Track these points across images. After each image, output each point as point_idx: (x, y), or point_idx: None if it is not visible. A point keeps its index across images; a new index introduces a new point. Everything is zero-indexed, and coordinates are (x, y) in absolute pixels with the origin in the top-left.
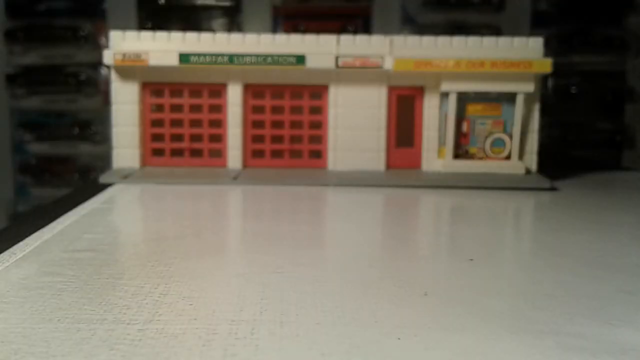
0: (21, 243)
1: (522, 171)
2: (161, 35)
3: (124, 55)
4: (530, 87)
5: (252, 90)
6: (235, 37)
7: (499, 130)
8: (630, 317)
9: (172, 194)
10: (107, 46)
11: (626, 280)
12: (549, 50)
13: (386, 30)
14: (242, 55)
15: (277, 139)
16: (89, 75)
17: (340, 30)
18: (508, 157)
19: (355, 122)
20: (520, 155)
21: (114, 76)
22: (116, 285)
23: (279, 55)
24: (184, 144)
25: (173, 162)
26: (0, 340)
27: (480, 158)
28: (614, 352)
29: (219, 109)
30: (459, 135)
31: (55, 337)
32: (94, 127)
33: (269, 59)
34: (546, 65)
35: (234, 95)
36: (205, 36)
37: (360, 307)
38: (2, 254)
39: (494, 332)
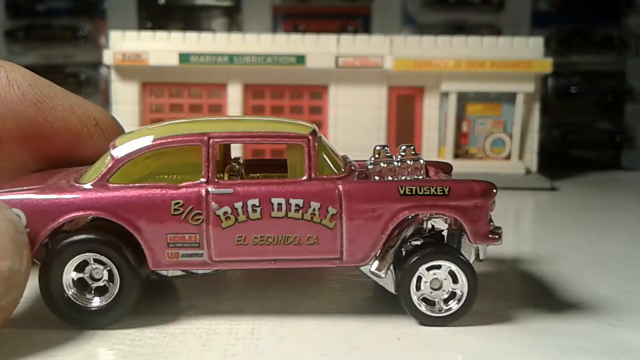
0: None
1: (522, 171)
2: (161, 35)
3: (124, 55)
4: (530, 87)
5: (252, 90)
6: (235, 37)
7: (499, 130)
8: (630, 317)
9: None
10: (107, 46)
11: (626, 280)
12: (549, 50)
13: (386, 30)
14: (242, 55)
15: None
16: (89, 75)
17: (340, 30)
18: (508, 157)
19: (355, 122)
20: (520, 155)
21: (114, 76)
22: None
23: (279, 55)
24: None
25: None
26: None
27: (480, 158)
28: (614, 352)
29: (219, 108)
30: (459, 135)
31: None
32: None
33: (269, 59)
34: (546, 65)
35: (234, 95)
36: (205, 36)
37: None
38: None
39: (494, 331)
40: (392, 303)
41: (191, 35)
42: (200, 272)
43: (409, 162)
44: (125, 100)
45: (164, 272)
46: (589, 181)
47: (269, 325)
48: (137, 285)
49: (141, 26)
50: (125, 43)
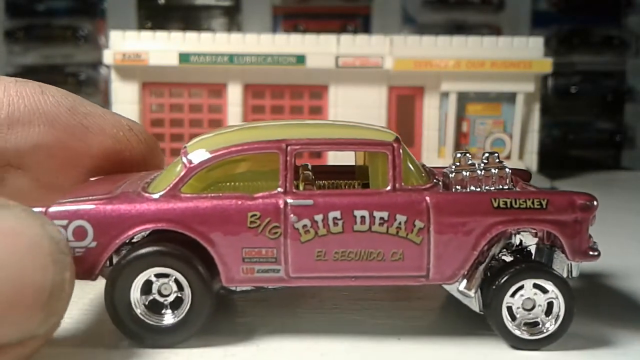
0: None
1: None
2: (161, 35)
3: (124, 55)
4: (530, 87)
5: (252, 90)
6: (235, 37)
7: (499, 130)
8: (630, 317)
9: None
10: (107, 46)
11: (626, 280)
12: (549, 50)
13: (386, 30)
14: (242, 55)
15: None
16: (89, 75)
17: (340, 30)
18: (508, 157)
19: None
20: (520, 155)
21: (114, 76)
22: None
23: (279, 55)
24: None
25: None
26: None
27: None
28: (614, 352)
29: (219, 108)
30: (459, 135)
31: None
32: None
33: (269, 59)
34: (546, 65)
35: (234, 95)
36: (205, 36)
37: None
38: None
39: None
40: (391, 303)
41: (191, 35)
42: (271, 287)
43: (493, 170)
44: (125, 100)
45: (234, 287)
46: (589, 181)
47: (269, 325)
48: (210, 301)
49: (141, 26)
50: (125, 43)
